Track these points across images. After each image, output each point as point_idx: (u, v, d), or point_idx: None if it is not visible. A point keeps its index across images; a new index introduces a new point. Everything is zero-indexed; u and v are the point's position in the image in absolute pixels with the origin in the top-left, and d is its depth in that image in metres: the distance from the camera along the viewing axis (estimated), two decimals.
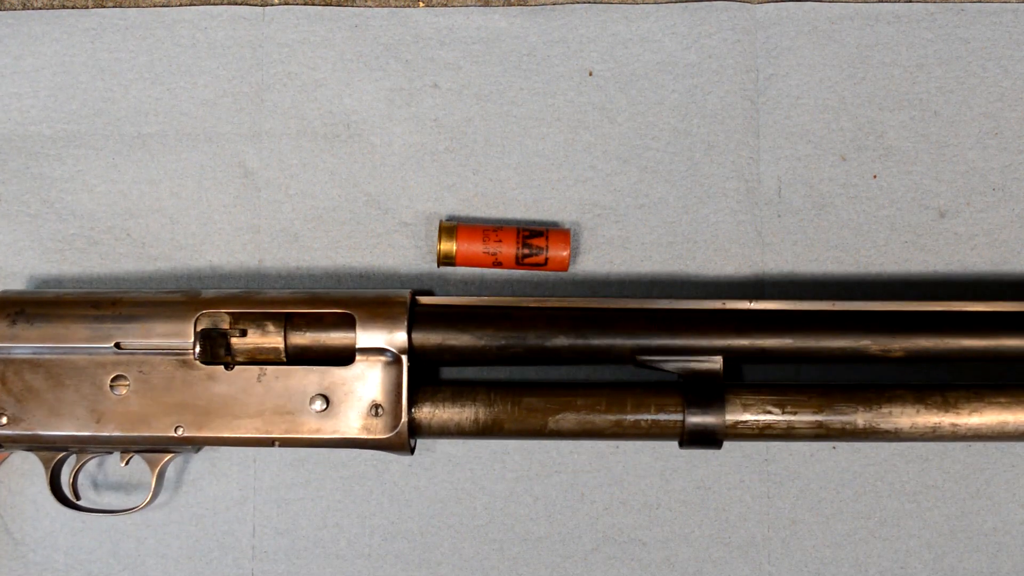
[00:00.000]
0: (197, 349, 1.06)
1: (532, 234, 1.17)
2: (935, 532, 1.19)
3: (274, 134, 1.22)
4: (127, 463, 1.12)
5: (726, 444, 1.19)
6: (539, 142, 1.22)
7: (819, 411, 1.06)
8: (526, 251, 1.16)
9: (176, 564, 1.19)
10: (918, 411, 1.06)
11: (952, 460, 1.20)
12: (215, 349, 1.06)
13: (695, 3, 1.22)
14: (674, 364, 1.08)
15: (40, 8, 1.24)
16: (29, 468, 1.20)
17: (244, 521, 1.20)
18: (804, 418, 1.06)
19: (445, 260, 1.17)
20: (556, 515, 1.20)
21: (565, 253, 1.17)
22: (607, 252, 1.21)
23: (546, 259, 1.16)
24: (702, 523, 1.20)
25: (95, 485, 1.20)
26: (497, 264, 1.17)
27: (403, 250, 1.21)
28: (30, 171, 1.22)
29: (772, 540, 1.19)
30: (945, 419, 1.06)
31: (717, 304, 1.09)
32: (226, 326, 1.07)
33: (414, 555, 1.19)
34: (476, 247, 1.16)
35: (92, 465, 1.20)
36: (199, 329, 1.06)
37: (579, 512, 1.20)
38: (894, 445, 1.19)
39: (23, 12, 1.23)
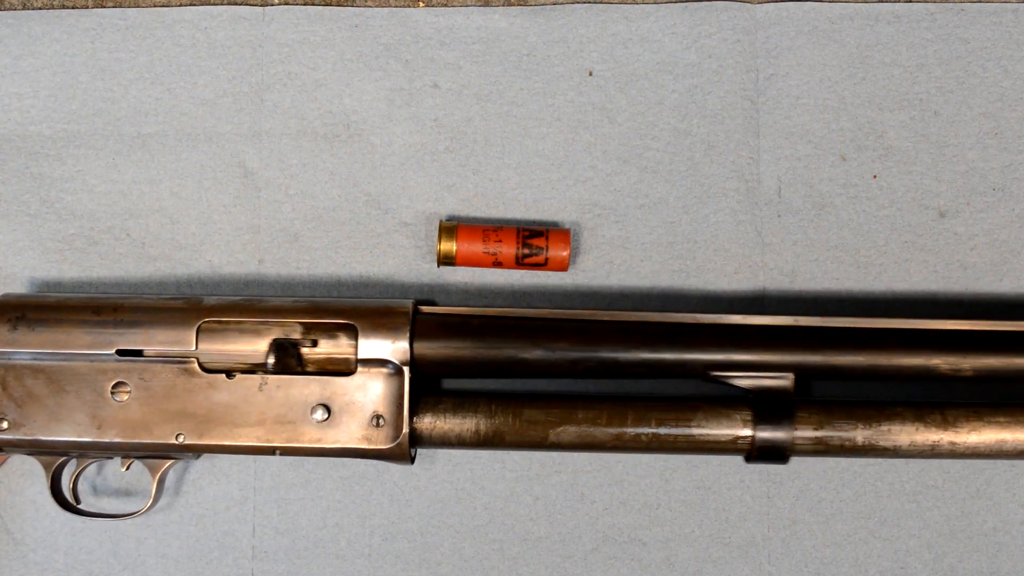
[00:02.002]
0: (271, 360, 1.05)
1: (532, 234, 1.16)
2: (935, 532, 1.19)
3: (274, 134, 1.22)
4: (127, 468, 1.12)
5: None
6: (539, 142, 1.22)
7: (819, 427, 1.06)
8: (526, 251, 1.16)
9: (176, 564, 1.20)
10: (917, 429, 1.06)
11: (952, 461, 1.19)
12: (287, 360, 1.06)
13: (695, 3, 1.22)
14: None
15: (40, 8, 1.23)
16: (29, 469, 1.20)
17: (244, 521, 1.20)
18: (804, 434, 1.06)
19: (445, 260, 1.17)
20: (556, 515, 1.20)
21: (565, 253, 1.17)
22: (607, 252, 1.21)
23: (546, 259, 1.16)
24: (702, 523, 1.20)
25: (95, 489, 1.21)
26: (497, 264, 1.17)
27: (403, 250, 1.21)
28: (30, 171, 1.22)
29: (772, 540, 1.19)
30: (944, 437, 1.06)
31: (781, 320, 1.08)
32: (298, 336, 1.07)
33: (414, 555, 1.20)
34: (476, 247, 1.16)
35: (92, 469, 1.20)
36: (273, 339, 1.06)
37: (579, 512, 1.20)
38: None
39: (23, 12, 1.23)
